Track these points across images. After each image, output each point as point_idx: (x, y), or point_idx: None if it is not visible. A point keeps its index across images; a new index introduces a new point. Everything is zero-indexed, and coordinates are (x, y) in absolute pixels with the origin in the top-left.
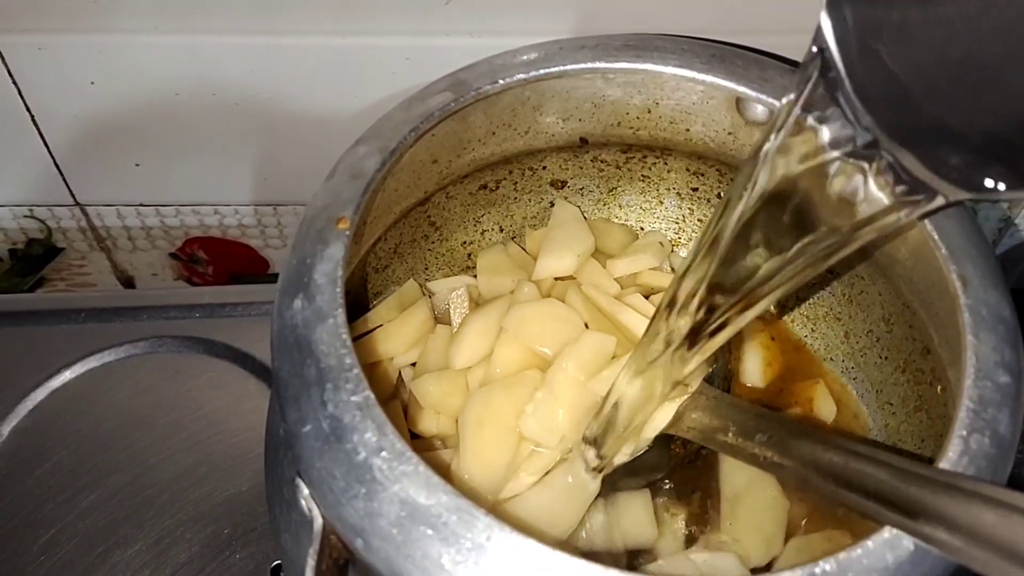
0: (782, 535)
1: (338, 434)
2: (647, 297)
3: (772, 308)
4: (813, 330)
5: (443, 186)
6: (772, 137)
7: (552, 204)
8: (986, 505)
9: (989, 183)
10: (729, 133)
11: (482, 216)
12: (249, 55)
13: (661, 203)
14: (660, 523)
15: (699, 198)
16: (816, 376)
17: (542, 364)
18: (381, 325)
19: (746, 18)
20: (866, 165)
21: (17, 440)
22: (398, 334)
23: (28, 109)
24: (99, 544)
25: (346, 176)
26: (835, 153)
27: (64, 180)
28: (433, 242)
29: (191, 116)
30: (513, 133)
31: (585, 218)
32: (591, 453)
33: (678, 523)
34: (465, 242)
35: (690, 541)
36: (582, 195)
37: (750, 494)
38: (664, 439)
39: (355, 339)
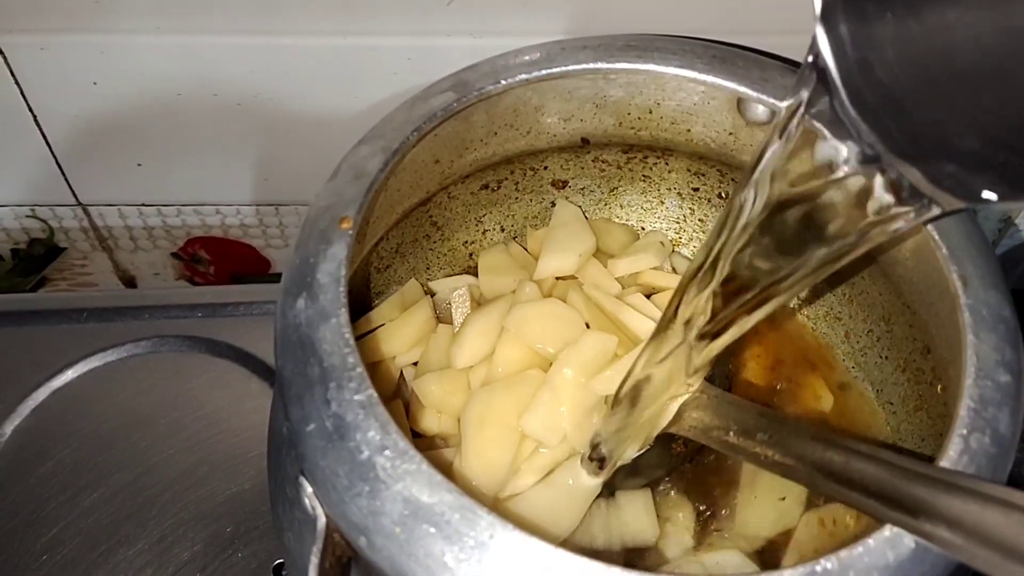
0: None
1: (341, 432)
2: (648, 297)
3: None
4: (813, 329)
5: (445, 186)
6: (773, 147)
7: (553, 204)
8: (987, 503)
9: (985, 194)
10: (730, 133)
11: (484, 216)
12: (250, 55)
13: (662, 203)
14: (664, 521)
15: (700, 198)
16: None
17: (544, 364)
18: (383, 324)
19: (747, 18)
20: (865, 174)
21: (19, 439)
22: (400, 333)
23: (30, 109)
24: (101, 543)
25: (349, 176)
26: (834, 163)
27: (66, 180)
28: (435, 242)
29: (193, 116)
30: (515, 133)
31: (586, 218)
32: (594, 458)
33: (682, 521)
34: (467, 242)
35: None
36: (583, 195)
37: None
38: (665, 438)
39: (357, 338)
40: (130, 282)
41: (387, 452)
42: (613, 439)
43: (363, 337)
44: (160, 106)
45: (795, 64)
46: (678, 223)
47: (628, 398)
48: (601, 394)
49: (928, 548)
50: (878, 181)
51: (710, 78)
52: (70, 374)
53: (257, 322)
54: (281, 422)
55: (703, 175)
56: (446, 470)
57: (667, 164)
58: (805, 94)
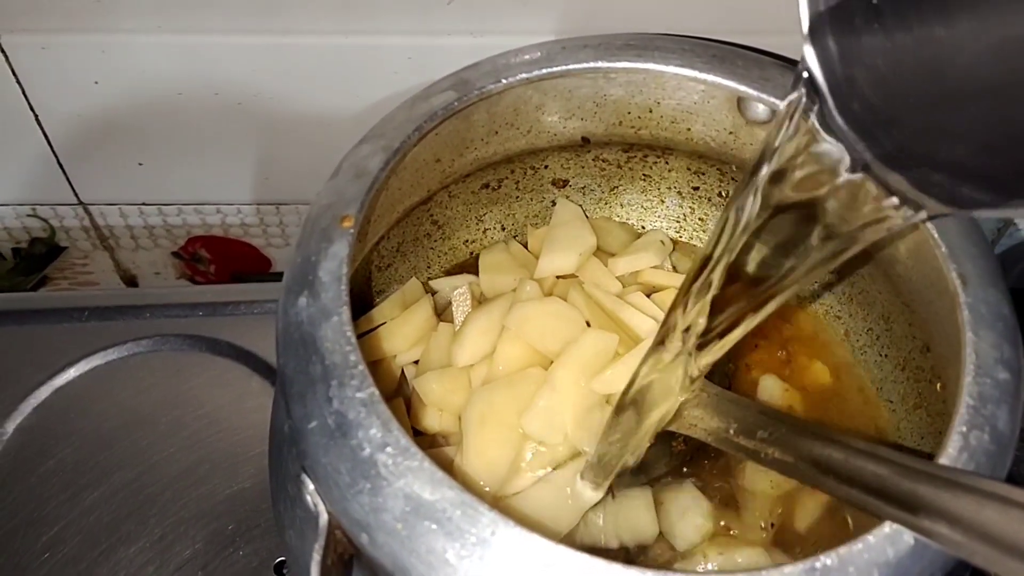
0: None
1: (343, 430)
2: (648, 295)
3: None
4: (814, 326)
5: (446, 185)
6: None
7: (554, 203)
8: (986, 500)
9: (970, 201)
10: (730, 132)
11: (484, 215)
12: (251, 55)
13: (662, 202)
14: (664, 518)
15: (700, 197)
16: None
17: (544, 362)
18: (384, 323)
19: (747, 18)
20: (858, 179)
21: (21, 438)
22: (401, 332)
23: (31, 108)
24: (102, 541)
25: (350, 175)
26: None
27: (67, 179)
28: (436, 240)
29: (193, 115)
30: (515, 132)
31: (587, 217)
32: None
33: (683, 518)
34: (467, 240)
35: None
36: (584, 194)
37: None
38: (665, 436)
39: (358, 337)
40: (131, 281)
41: (389, 449)
42: (615, 448)
43: (364, 335)
44: (161, 105)
45: (794, 63)
46: (678, 222)
47: (631, 407)
48: (602, 393)
49: (927, 544)
50: (870, 184)
51: (710, 77)
52: (71, 373)
53: (258, 321)
54: (283, 420)
55: (703, 174)
56: (447, 468)
57: (667, 163)
58: (801, 98)
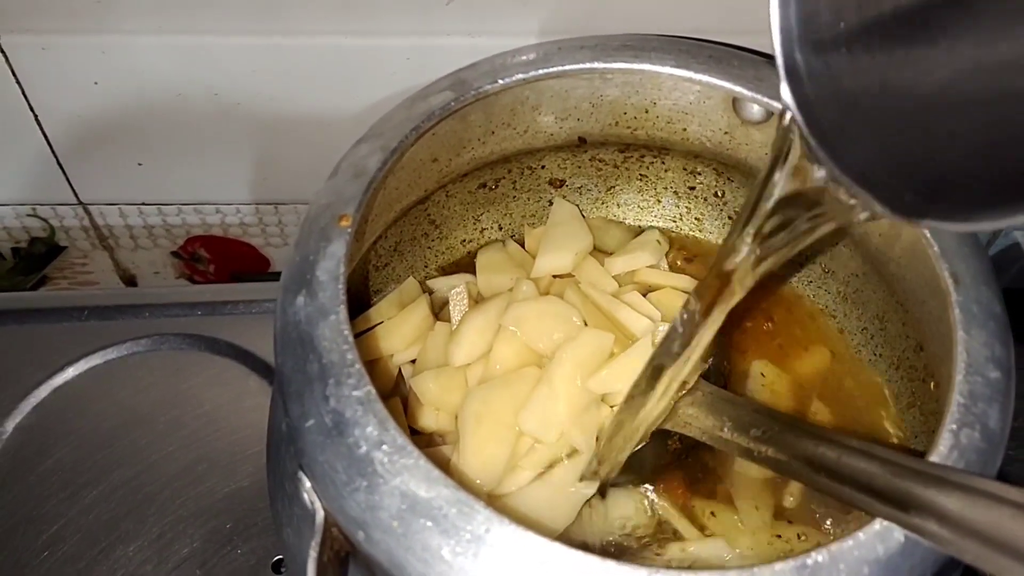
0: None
1: (340, 428)
2: (644, 295)
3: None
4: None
5: (443, 184)
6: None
7: (551, 203)
8: (976, 497)
9: (934, 219)
10: (726, 133)
11: (481, 214)
12: (251, 55)
13: (659, 202)
14: (658, 515)
15: (696, 197)
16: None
17: (541, 361)
18: (381, 322)
19: (742, 19)
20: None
21: (20, 437)
22: (398, 331)
23: (31, 108)
24: (101, 540)
25: (348, 174)
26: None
27: (67, 179)
28: (433, 240)
29: (193, 116)
30: (512, 132)
31: (583, 216)
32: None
33: (677, 515)
34: (464, 240)
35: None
36: (580, 194)
37: None
38: (660, 434)
39: (356, 336)
40: (130, 281)
41: (385, 447)
42: (614, 444)
43: (362, 335)
44: (161, 106)
45: None
46: (675, 221)
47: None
48: (598, 392)
49: (918, 542)
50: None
51: (705, 78)
52: (71, 372)
53: (256, 320)
54: (280, 418)
55: (699, 174)
56: (444, 467)
57: (663, 163)
58: (787, 132)
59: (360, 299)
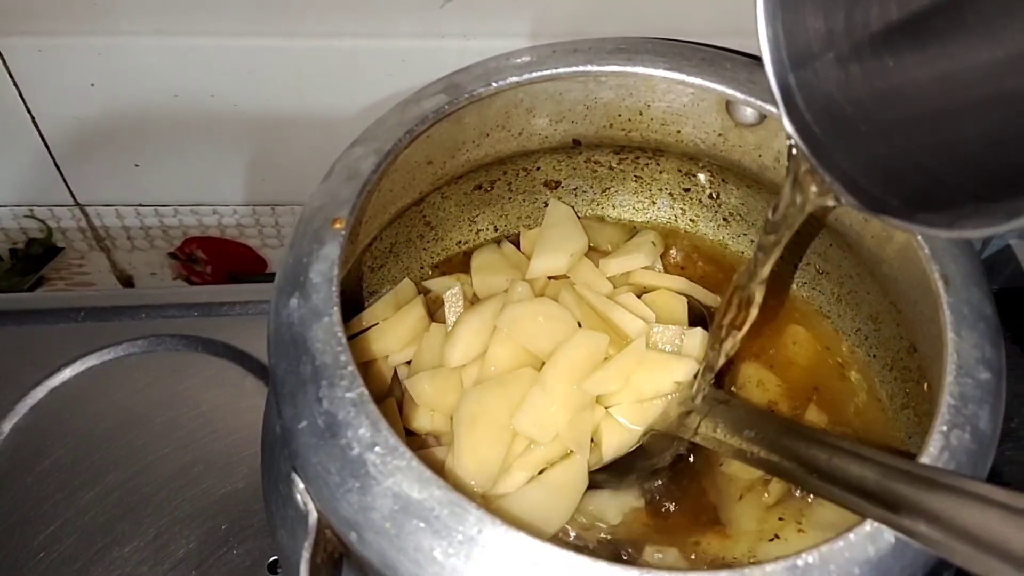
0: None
1: (333, 430)
2: (639, 296)
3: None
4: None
5: (438, 186)
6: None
7: (546, 204)
8: (966, 499)
9: (922, 225)
10: (719, 135)
11: (477, 216)
12: (247, 57)
13: (653, 203)
14: (654, 516)
15: (691, 198)
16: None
17: (536, 363)
18: (376, 324)
19: (735, 21)
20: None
21: (17, 438)
22: (393, 332)
23: (28, 110)
24: (98, 540)
25: (342, 177)
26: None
27: (64, 180)
28: (428, 241)
29: (189, 117)
30: (507, 135)
31: (579, 218)
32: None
33: (672, 516)
34: (460, 241)
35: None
36: (575, 195)
37: None
38: (654, 436)
39: (350, 338)
40: (127, 282)
41: (377, 449)
42: None
43: (356, 336)
44: (157, 107)
45: None
46: (669, 223)
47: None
48: (592, 393)
49: (908, 543)
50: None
51: (699, 80)
52: (67, 373)
53: (253, 321)
54: (274, 420)
55: (694, 175)
56: (438, 468)
57: (658, 165)
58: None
59: (355, 301)
